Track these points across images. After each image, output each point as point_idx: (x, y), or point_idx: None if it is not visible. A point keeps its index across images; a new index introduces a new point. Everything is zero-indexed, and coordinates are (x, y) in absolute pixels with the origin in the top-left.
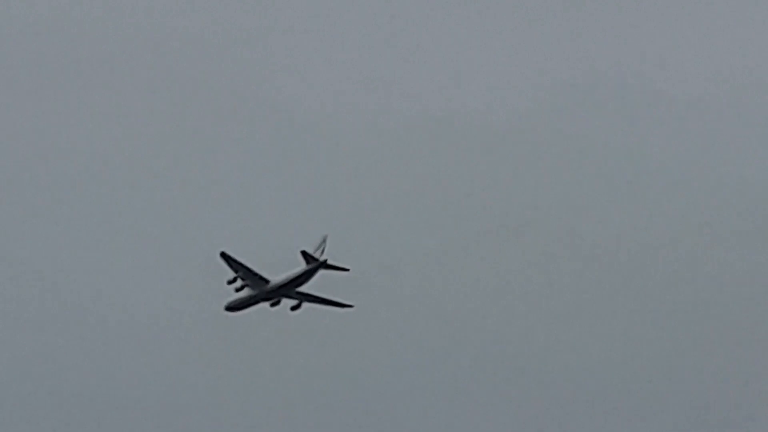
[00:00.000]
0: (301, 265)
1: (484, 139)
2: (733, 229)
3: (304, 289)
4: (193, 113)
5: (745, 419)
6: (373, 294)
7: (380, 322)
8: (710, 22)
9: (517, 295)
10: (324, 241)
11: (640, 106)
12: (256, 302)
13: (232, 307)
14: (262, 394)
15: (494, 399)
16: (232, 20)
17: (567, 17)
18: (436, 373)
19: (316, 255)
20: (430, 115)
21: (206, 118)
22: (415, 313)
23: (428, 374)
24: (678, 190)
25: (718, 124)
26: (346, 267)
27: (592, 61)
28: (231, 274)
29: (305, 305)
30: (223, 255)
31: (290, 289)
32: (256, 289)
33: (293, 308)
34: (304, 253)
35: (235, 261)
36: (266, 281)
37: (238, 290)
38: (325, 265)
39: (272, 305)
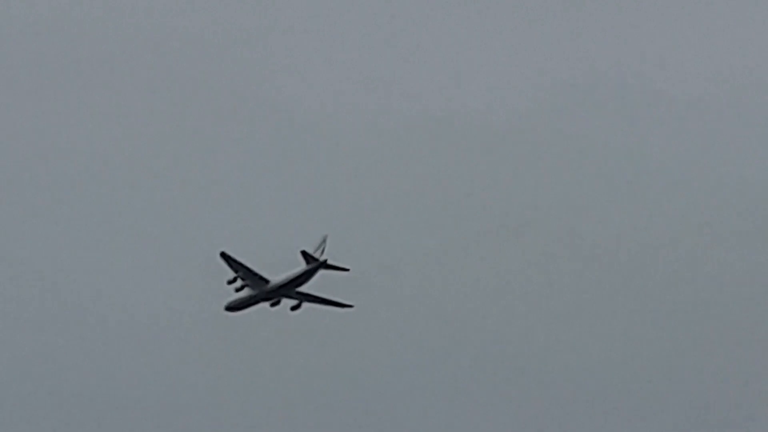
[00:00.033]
0: (301, 265)
1: (484, 139)
2: (733, 229)
3: (304, 289)
4: (193, 113)
5: (745, 419)
6: (373, 294)
7: (380, 322)
8: (710, 22)
9: (517, 295)
10: (324, 241)
11: (640, 106)
12: (256, 302)
13: (232, 307)
14: (262, 394)
15: (494, 399)
16: (232, 20)
17: (567, 17)
18: (436, 373)
19: (316, 255)
20: (430, 115)
21: (206, 118)
22: (415, 313)
23: (428, 374)
24: (678, 190)
25: (718, 124)
26: (346, 267)
27: (592, 61)
28: (231, 274)
29: (305, 305)
30: (223, 255)
31: (290, 289)
32: (256, 289)
33: (293, 308)
34: (304, 253)
35: (235, 261)
36: (266, 281)
37: (238, 290)
38: (325, 265)
39: (272, 305)
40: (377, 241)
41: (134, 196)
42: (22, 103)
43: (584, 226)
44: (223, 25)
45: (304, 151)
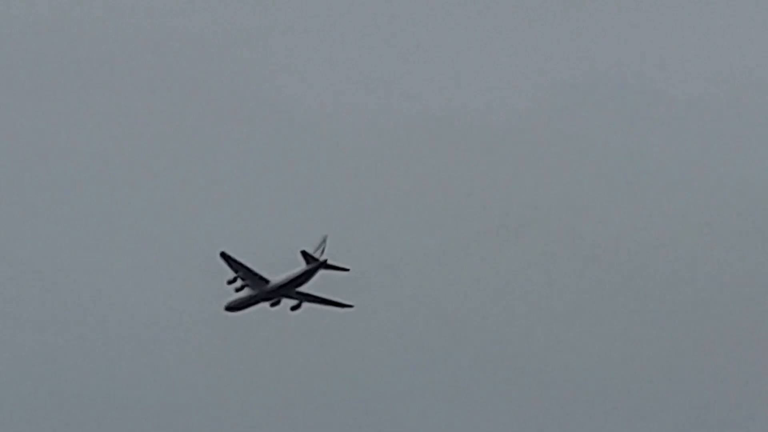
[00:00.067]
0: (301, 265)
1: (484, 139)
2: (733, 229)
3: (304, 289)
4: (193, 113)
5: (745, 419)
6: (373, 294)
7: (380, 323)
8: (710, 23)
9: (517, 295)
10: (324, 241)
11: (640, 106)
12: (256, 302)
13: (232, 307)
14: (263, 394)
15: (494, 399)
16: (232, 20)
17: (567, 17)
18: (435, 373)
19: (316, 255)
20: (430, 115)
21: (206, 118)
22: (414, 313)
23: (428, 374)
24: (678, 190)
25: (718, 124)
26: (346, 267)
27: (592, 61)
28: (231, 274)
29: (305, 305)
30: (223, 255)
31: (290, 289)
32: (256, 289)
33: (293, 308)
34: (304, 253)
35: (235, 261)
36: (266, 281)
37: (238, 290)
38: (325, 265)
39: (272, 305)
40: (377, 241)
41: (134, 196)
42: (22, 103)
43: (584, 226)
44: (223, 25)
45: (304, 151)
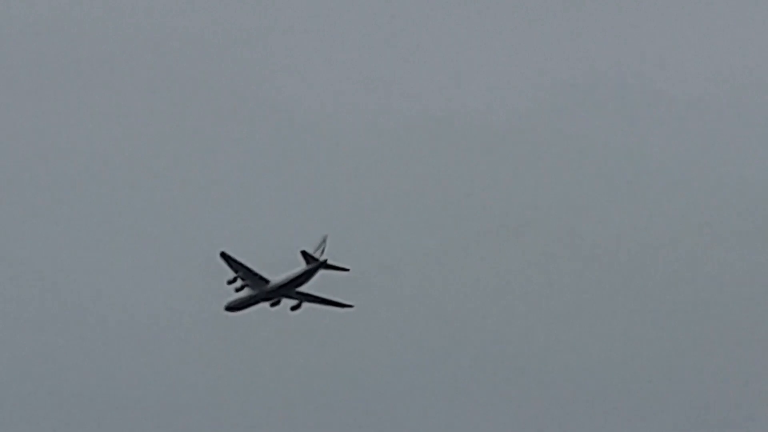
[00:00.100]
0: (301, 265)
1: (484, 139)
2: (733, 229)
3: (304, 289)
4: (193, 113)
5: (745, 419)
6: (373, 294)
7: (379, 322)
8: (710, 23)
9: (517, 295)
10: (324, 241)
11: (640, 106)
12: (256, 302)
13: (232, 307)
14: (263, 394)
15: (494, 399)
16: (232, 20)
17: (567, 17)
18: (436, 373)
19: (316, 255)
20: (430, 115)
21: (206, 118)
22: (414, 313)
23: (428, 374)
24: (678, 190)
25: (718, 124)
26: (346, 267)
27: (592, 61)
28: (231, 274)
29: (305, 305)
30: (223, 255)
31: (290, 289)
32: (256, 289)
33: (293, 308)
34: (304, 253)
35: (235, 261)
36: (266, 281)
37: (238, 290)
38: (325, 265)
39: (272, 305)
40: (377, 241)
41: (134, 196)
42: (22, 103)
43: (584, 226)
44: (223, 25)
45: (304, 151)
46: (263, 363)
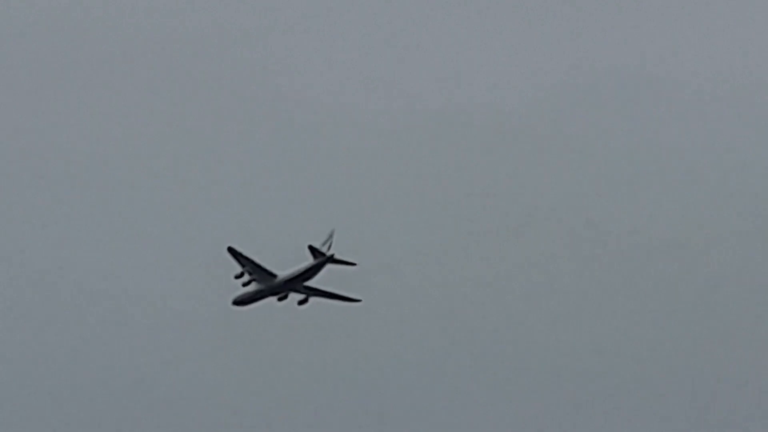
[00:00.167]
0: (308, 260)
1: (485, 138)
2: (734, 229)
3: (311, 283)
4: (194, 112)
5: (745, 419)
6: (377, 290)
7: (386, 317)
8: (710, 21)
9: (519, 291)
10: (331, 235)
11: (641, 105)
12: (264, 297)
13: (239, 302)
14: (270, 388)
15: (496, 396)
16: (232, 20)
17: (567, 16)
18: (440, 369)
19: (324, 249)
20: (431, 114)
21: (208, 117)
22: (419, 309)
23: (433, 370)
24: (679, 189)
25: (718, 123)
26: (353, 262)
27: (592, 60)
28: (238, 269)
29: (312, 299)
30: (231, 250)
31: (297, 284)
32: (263, 284)
33: (300, 303)
34: (312, 248)
35: (242, 256)
36: (273, 276)
37: (245, 285)
38: (332, 259)
39: (279, 300)
40: (378, 238)
41: (141, 193)
42: (22, 103)
43: (585, 224)
44: (223, 25)
45: (308, 149)
46: (270, 357)
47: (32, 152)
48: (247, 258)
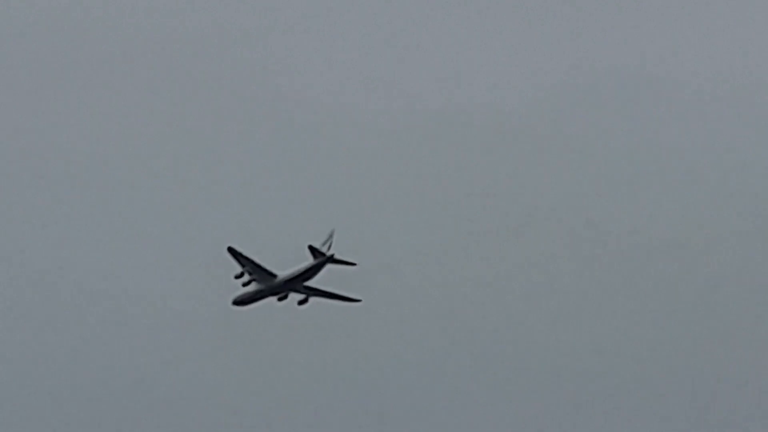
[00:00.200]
0: (308, 260)
1: (485, 138)
2: (734, 229)
3: (311, 283)
4: (194, 112)
5: (745, 419)
6: (377, 290)
7: (386, 318)
8: (710, 21)
9: (525, 291)
10: (331, 235)
11: (641, 106)
12: (264, 297)
13: (239, 302)
14: (270, 388)
15: (495, 396)
16: (232, 20)
17: (567, 15)
18: (440, 370)
19: (324, 249)
20: (431, 114)
21: (207, 118)
22: (416, 312)
23: (433, 370)
24: (679, 189)
25: (719, 122)
26: (353, 261)
27: (592, 60)
28: (238, 269)
29: (312, 299)
30: (231, 250)
31: (298, 284)
32: (263, 284)
33: (300, 303)
34: (312, 248)
35: (242, 256)
36: (273, 276)
37: (245, 285)
38: (332, 259)
39: (279, 300)
40: (378, 238)
41: (141, 193)
42: (22, 103)
43: (585, 225)
44: (223, 25)
45: (307, 150)
46: (270, 357)
47: (32, 152)
48: (247, 258)
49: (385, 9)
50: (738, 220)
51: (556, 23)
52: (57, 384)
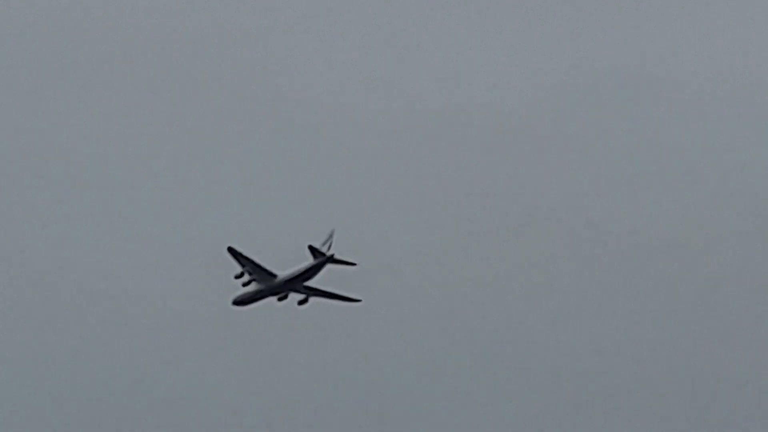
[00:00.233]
0: (308, 260)
1: (484, 139)
2: (734, 229)
3: (311, 283)
4: (194, 112)
5: (745, 419)
6: (377, 290)
7: (386, 318)
8: (710, 21)
9: (525, 291)
10: (331, 235)
11: (641, 106)
12: (264, 297)
13: (239, 302)
14: (270, 388)
15: (495, 397)
16: (232, 20)
17: (567, 15)
18: (440, 370)
19: (324, 249)
20: (431, 114)
21: (207, 118)
22: (416, 312)
23: (433, 370)
24: (679, 189)
25: (718, 123)
26: (353, 262)
27: (592, 60)
28: (238, 269)
29: (312, 299)
30: (231, 250)
31: (297, 284)
32: (263, 284)
33: (300, 303)
34: (312, 248)
35: (242, 256)
36: (273, 276)
37: (245, 285)
38: (332, 259)
39: (279, 300)
40: (378, 238)
41: (141, 193)
42: (22, 103)
43: (585, 225)
44: (223, 25)
45: (307, 150)
46: (270, 357)
47: (32, 152)
48: (247, 258)
49: (385, 9)
50: (738, 220)
51: (556, 23)
52: (57, 384)
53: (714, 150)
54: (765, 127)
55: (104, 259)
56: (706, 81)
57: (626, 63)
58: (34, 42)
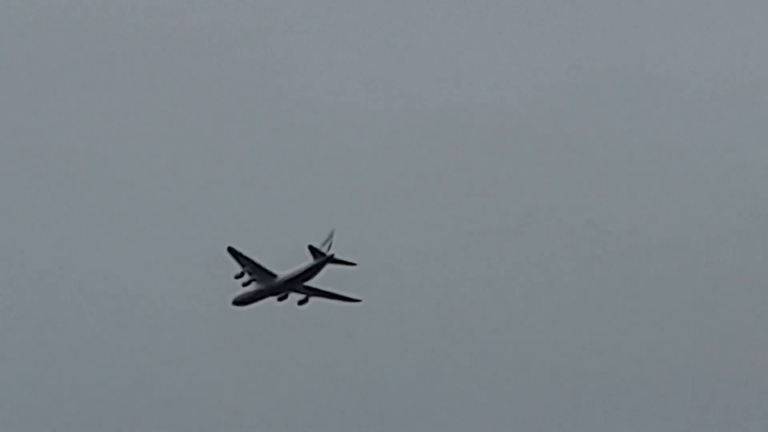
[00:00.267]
0: (308, 260)
1: (484, 139)
2: (734, 229)
3: (311, 283)
4: (194, 112)
5: (745, 419)
6: (377, 290)
7: (386, 318)
8: (710, 20)
9: (525, 291)
10: (331, 235)
11: (641, 106)
12: (264, 297)
13: (239, 302)
14: (270, 388)
15: (495, 399)
16: (232, 20)
17: (567, 15)
18: (440, 370)
19: (324, 249)
20: (431, 114)
21: (207, 118)
22: (416, 312)
23: (433, 370)
24: (679, 189)
25: (718, 123)
26: (353, 262)
27: (592, 60)
28: (238, 269)
29: (312, 299)
30: (231, 250)
31: (298, 284)
32: (263, 284)
33: (300, 302)
34: (312, 248)
35: (242, 256)
36: (273, 276)
37: (245, 285)
38: (332, 259)
39: (279, 300)
40: (378, 238)
41: (141, 193)
42: (22, 103)
43: (585, 224)
44: (223, 25)
45: (310, 149)
46: (270, 357)
47: (32, 152)
48: (247, 258)
49: (385, 9)
50: (738, 220)
51: (556, 23)
52: (57, 384)
53: (714, 150)
54: (765, 127)
55: (104, 259)
56: (706, 81)
57: (626, 63)
58: (34, 42)
